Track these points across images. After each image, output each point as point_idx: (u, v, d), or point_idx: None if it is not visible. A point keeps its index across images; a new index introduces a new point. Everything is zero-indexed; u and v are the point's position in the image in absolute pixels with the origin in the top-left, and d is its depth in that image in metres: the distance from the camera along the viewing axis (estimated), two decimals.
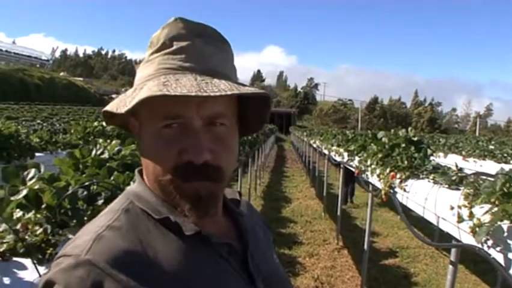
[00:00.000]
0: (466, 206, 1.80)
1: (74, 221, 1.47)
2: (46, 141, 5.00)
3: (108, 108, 0.66)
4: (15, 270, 1.16)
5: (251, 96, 0.68)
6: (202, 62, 0.66)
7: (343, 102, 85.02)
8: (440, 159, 7.68)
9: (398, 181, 2.92)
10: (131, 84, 0.73)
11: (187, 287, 0.62)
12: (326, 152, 8.16)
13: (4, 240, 1.25)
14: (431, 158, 3.10)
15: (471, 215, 1.74)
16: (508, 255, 1.50)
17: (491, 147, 8.80)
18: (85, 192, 1.57)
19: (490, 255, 1.61)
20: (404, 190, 2.80)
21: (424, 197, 2.42)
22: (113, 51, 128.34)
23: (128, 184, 1.63)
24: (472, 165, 6.86)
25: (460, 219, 1.83)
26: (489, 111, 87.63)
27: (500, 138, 17.30)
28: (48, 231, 1.34)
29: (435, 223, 2.24)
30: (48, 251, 1.26)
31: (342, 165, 6.14)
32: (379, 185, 3.32)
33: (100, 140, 2.36)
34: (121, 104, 0.64)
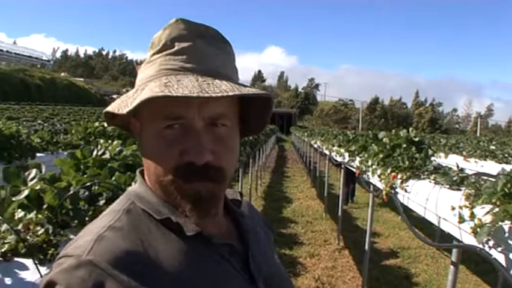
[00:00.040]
0: (467, 207, 1.80)
1: (76, 221, 1.48)
2: (47, 142, 5.00)
3: (109, 108, 0.66)
4: (16, 271, 1.16)
5: (253, 97, 0.68)
6: (204, 63, 0.66)
7: (344, 102, 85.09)
8: (441, 159, 7.66)
9: (399, 181, 2.91)
10: (132, 85, 0.73)
11: (188, 287, 0.62)
12: (327, 152, 8.16)
13: (6, 241, 1.25)
14: (432, 158, 3.10)
15: (472, 216, 1.74)
16: (509, 256, 1.50)
17: (492, 147, 8.76)
18: (86, 193, 1.57)
19: (491, 255, 1.60)
20: (405, 190, 2.80)
21: (425, 197, 2.42)
22: (114, 51, 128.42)
23: (130, 184, 1.63)
24: (473, 166, 6.84)
25: (461, 220, 1.83)
26: (490, 112, 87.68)
27: (501, 139, 17.22)
28: (50, 231, 1.34)
29: (436, 223, 2.24)
30: (50, 252, 1.26)
31: (343, 166, 6.14)
32: (380, 185, 3.32)
33: (101, 141, 2.36)
34: (122, 104, 0.64)
